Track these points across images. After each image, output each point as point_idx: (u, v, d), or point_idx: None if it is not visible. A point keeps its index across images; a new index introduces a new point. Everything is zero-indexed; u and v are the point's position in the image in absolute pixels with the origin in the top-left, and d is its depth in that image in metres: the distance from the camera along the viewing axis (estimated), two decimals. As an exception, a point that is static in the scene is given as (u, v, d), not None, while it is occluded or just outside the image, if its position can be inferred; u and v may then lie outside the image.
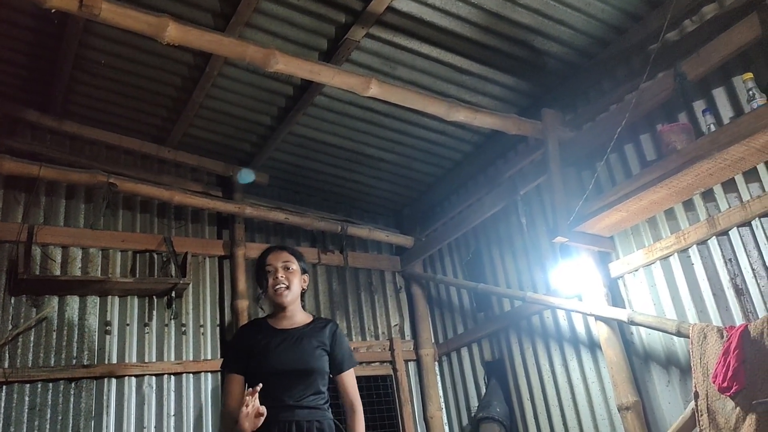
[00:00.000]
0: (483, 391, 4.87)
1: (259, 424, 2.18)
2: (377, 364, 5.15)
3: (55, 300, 4.14)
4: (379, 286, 5.57)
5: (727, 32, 3.21)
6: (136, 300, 4.42)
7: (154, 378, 4.26)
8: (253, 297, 4.70)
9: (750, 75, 3.10)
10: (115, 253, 4.47)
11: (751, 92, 3.05)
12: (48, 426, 3.83)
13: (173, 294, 4.46)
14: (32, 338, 3.99)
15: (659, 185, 3.32)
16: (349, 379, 2.56)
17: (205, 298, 4.70)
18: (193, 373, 4.40)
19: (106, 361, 4.15)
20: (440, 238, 5.27)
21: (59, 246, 4.28)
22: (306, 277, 2.66)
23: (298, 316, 2.57)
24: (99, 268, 4.36)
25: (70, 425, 3.89)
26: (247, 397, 2.16)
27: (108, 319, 4.27)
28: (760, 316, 3.07)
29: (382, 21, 3.71)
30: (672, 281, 3.60)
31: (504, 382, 4.72)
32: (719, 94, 3.42)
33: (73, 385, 3.99)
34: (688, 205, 3.55)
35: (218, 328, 4.65)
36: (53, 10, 2.74)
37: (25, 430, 3.76)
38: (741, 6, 3.24)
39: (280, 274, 2.51)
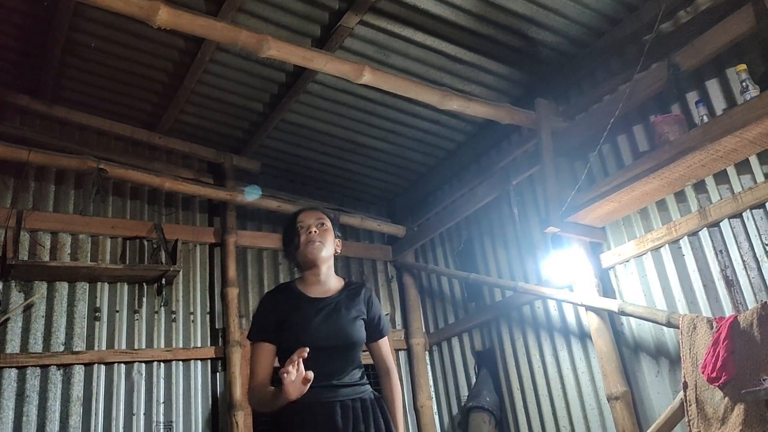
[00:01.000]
0: (473, 380, 4.89)
1: (305, 391, 1.96)
2: (367, 352, 5.13)
3: (44, 286, 4.11)
4: (370, 275, 5.56)
5: (721, 23, 3.21)
6: (125, 287, 4.40)
7: (143, 365, 4.24)
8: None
9: (743, 66, 3.10)
10: (104, 239, 4.44)
11: (744, 84, 3.05)
12: (36, 412, 3.81)
13: (163, 281, 4.44)
14: (21, 324, 3.96)
15: (651, 176, 3.32)
16: (385, 344, 2.40)
17: (196, 285, 4.68)
18: (183, 360, 4.39)
19: (96, 348, 4.13)
20: (432, 228, 5.27)
21: (48, 232, 4.25)
22: (339, 241, 2.42)
23: (331, 281, 2.35)
24: (88, 255, 4.33)
25: (59, 412, 3.87)
26: (291, 365, 1.92)
27: (97, 305, 4.25)
28: (749, 307, 3.08)
29: (376, 8, 3.68)
30: (663, 272, 3.61)
31: (494, 371, 4.73)
32: (712, 86, 3.42)
33: (62, 371, 3.97)
34: (680, 196, 3.56)
35: (208, 315, 4.64)
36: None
37: (13, 416, 3.74)
38: (735, -3, 3.24)
39: (314, 229, 2.30)
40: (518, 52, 4.12)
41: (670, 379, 3.51)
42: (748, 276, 3.19)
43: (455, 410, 5.03)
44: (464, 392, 4.95)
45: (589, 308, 3.84)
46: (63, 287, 4.17)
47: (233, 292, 4.67)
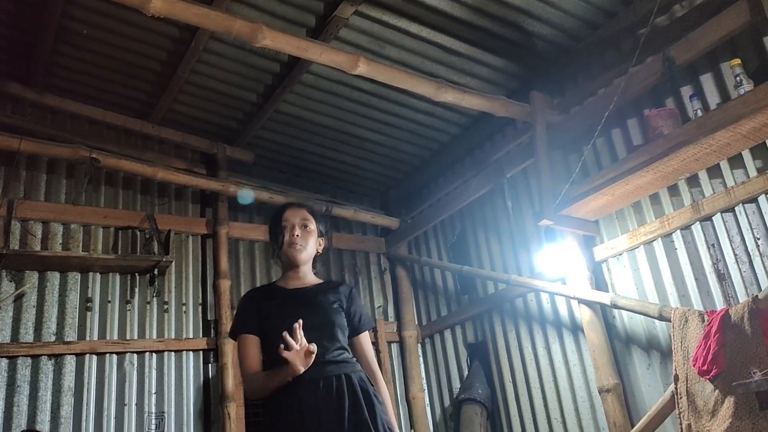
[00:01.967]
0: (465, 372, 4.90)
1: (311, 363, 2.02)
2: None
3: (36, 276, 4.09)
4: (363, 267, 5.56)
5: (716, 18, 3.21)
6: (117, 277, 4.38)
7: (135, 355, 4.23)
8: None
9: (738, 61, 3.11)
10: (96, 229, 4.42)
11: (738, 78, 3.06)
12: (27, 402, 3.79)
13: (156, 272, 4.42)
14: (11, 314, 3.94)
15: (645, 170, 3.32)
16: (367, 340, 2.40)
17: (188, 276, 4.66)
18: (175, 351, 4.38)
19: (87, 338, 4.11)
20: (426, 221, 5.27)
21: (40, 221, 4.22)
22: (323, 240, 2.48)
23: (309, 278, 2.40)
24: (80, 245, 4.31)
25: (50, 402, 3.86)
26: (289, 339, 1.98)
27: (89, 295, 4.23)
28: (740, 301, 3.10)
29: (372, -2, 3.67)
30: (655, 266, 3.63)
31: (486, 364, 4.75)
32: (707, 80, 3.42)
33: (53, 361, 3.96)
34: (673, 190, 3.57)
35: (200, 307, 4.63)
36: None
37: (4, 406, 3.72)
38: (731, -9, 3.24)
39: (297, 232, 2.35)
40: (514, 45, 4.11)
41: (661, 372, 3.53)
42: (740, 270, 3.21)
43: (447, 402, 5.05)
44: (456, 384, 4.97)
45: (581, 301, 3.85)
46: (54, 277, 4.14)
47: (225, 284, 4.65)
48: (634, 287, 3.72)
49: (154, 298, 4.45)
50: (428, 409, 5.17)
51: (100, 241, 4.40)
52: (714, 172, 3.37)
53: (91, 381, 4.03)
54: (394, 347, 5.36)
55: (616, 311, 3.80)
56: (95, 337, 4.15)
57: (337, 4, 3.69)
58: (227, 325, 4.47)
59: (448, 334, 5.17)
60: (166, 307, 4.48)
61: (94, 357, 4.09)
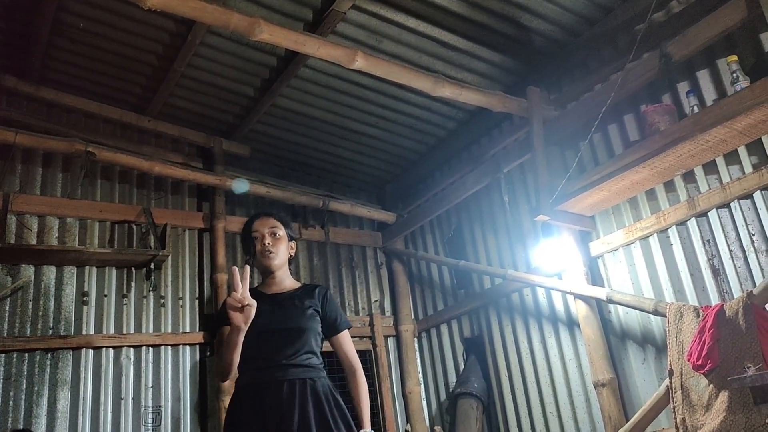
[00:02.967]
0: (461, 367, 4.92)
1: (251, 317, 2.06)
2: (357, 339, 5.16)
3: (31, 269, 4.08)
4: (360, 261, 5.57)
5: (713, 14, 3.21)
6: (114, 271, 4.38)
7: (132, 350, 4.23)
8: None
9: (734, 57, 3.12)
10: (92, 223, 4.41)
11: (735, 74, 3.07)
12: (24, 396, 3.79)
13: (152, 266, 4.42)
14: (8, 308, 3.93)
15: (641, 165, 3.34)
16: (346, 339, 2.49)
17: (185, 270, 4.66)
18: (172, 345, 4.38)
19: (84, 332, 4.11)
20: (422, 215, 5.28)
21: (35, 215, 4.21)
22: (293, 244, 2.60)
23: (287, 282, 2.51)
24: (76, 238, 4.30)
25: (47, 396, 3.86)
26: (236, 278, 2.03)
27: (85, 289, 4.22)
28: (735, 297, 3.12)
29: (369, -8, 3.66)
30: (651, 261, 3.64)
31: (482, 358, 4.77)
32: (703, 76, 3.44)
33: (49, 355, 3.96)
34: (669, 186, 3.59)
35: (197, 301, 4.63)
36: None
37: (0, 401, 3.72)
38: (728, -12, 3.24)
39: (267, 241, 2.45)
40: (511, 40, 4.11)
41: (655, 367, 3.55)
42: (735, 265, 3.23)
43: (443, 396, 5.06)
44: (452, 379, 4.99)
45: (577, 296, 3.87)
46: (51, 271, 4.14)
47: (222, 278, 4.65)
48: (629, 282, 3.74)
49: (151, 293, 4.44)
50: (424, 403, 5.19)
51: (96, 235, 4.39)
52: (710, 168, 3.38)
53: (87, 375, 4.03)
54: (391, 341, 5.37)
55: (611, 306, 3.82)
56: (92, 331, 4.15)
57: (334, -2, 3.68)
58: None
59: (444, 328, 5.18)
60: (162, 301, 4.48)
61: (91, 351, 4.09)
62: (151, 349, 4.30)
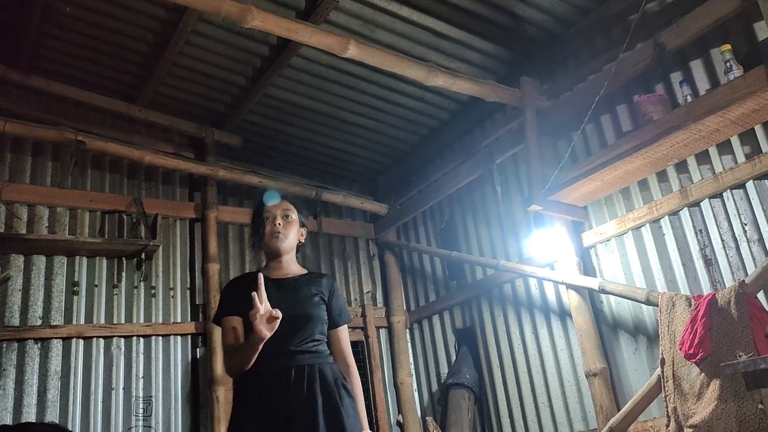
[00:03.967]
0: (453, 358, 4.92)
1: (276, 328, 2.04)
2: (349, 330, 5.06)
3: (21, 259, 4.05)
4: (352, 252, 5.56)
5: (706, 4, 3.22)
6: (104, 261, 4.34)
7: (122, 340, 4.20)
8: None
9: (728, 47, 3.12)
10: (83, 212, 4.37)
11: (728, 64, 3.07)
12: (14, 386, 3.76)
13: (143, 256, 4.39)
14: (-3, 297, 3.90)
15: (634, 155, 3.34)
16: (344, 335, 2.46)
17: (176, 260, 4.63)
18: (162, 335, 4.36)
19: (74, 322, 4.08)
20: (415, 206, 5.26)
21: (25, 204, 4.17)
22: (304, 231, 2.53)
23: (292, 267, 2.46)
24: (66, 228, 4.27)
25: (36, 386, 3.83)
26: (256, 300, 2.02)
27: (76, 279, 4.19)
28: (727, 286, 3.13)
29: (362, -20, 3.64)
30: (643, 251, 3.65)
31: (474, 349, 4.77)
32: (696, 66, 3.44)
33: (39, 345, 3.93)
34: (662, 176, 3.59)
35: (188, 291, 4.61)
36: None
37: (-11, 390, 3.70)
38: (721, -23, 3.24)
39: (279, 221, 2.38)
40: (504, 30, 4.10)
41: (647, 356, 3.56)
42: (727, 255, 3.24)
43: (435, 387, 5.07)
44: (444, 369, 4.99)
45: (569, 286, 3.87)
46: (40, 260, 4.10)
47: (214, 268, 4.63)
48: (622, 272, 3.74)
49: (141, 283, 4.42)
50: (416, 394, 5.19)
51: (86, 225, 4.36)
52: (702, 158, 3.39)
53: (77, 365, 4.00)
54: (383, 332, 5.37)
55: (603, 296, 3.83)
56: (82, 321, 4.12)
57: (327, -14, 3.66)
58: (216, 308, 4.46)
59: (436, 319, 5.18)
60: (153, 291, 4.45)
61: (81, 341, 4.06)
62: (142, 339, 4.28)
